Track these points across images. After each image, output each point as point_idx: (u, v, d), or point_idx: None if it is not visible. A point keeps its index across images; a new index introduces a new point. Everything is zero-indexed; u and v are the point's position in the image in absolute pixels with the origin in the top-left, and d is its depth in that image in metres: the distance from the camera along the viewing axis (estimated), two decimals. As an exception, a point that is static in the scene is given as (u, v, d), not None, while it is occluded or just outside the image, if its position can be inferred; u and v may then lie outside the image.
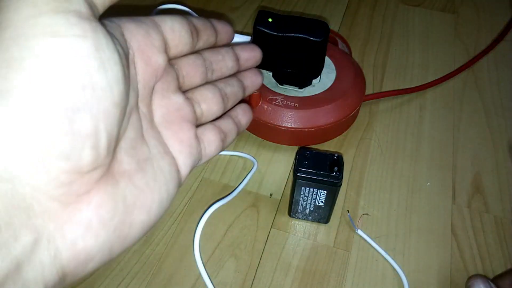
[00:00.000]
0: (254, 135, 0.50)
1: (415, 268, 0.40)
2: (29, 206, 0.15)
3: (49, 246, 0.16)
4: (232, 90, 0.27)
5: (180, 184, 0.22)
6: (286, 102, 0.46)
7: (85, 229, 0.17)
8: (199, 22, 0.24)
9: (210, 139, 0.25)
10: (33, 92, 0.15)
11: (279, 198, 0.45)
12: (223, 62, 0.27)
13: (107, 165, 0.17)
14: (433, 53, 0.61)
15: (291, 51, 0.43)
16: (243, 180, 0.45)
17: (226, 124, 0.27)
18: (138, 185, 0.19)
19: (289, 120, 0.46)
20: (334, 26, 0.65)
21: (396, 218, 0.43)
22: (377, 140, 0.50)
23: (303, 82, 0.47)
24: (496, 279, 0.37)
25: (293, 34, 0.41)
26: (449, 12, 0.67)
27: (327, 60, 0.50)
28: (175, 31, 0.22)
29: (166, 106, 0.22)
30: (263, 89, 0.47)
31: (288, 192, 0.44)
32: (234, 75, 0.28)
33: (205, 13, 0.66)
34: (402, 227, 0.43)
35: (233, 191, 0.44)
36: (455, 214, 0.44)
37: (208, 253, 0.40)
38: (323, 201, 0.39)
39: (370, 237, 0.41)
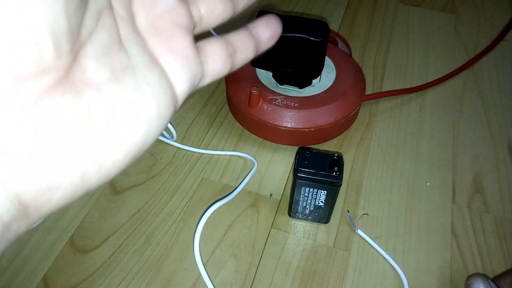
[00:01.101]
0: (254, 135, 0.50)
1: (415, 268, 0.40)
2: None
3: None
4: None
5: (175, 101, 0.18)
6: (286, 102, 0.46)
7: (37, 149, 0.14)
8: None
9: (214, 51, 0.20)
10: None
11: (279, 198, 0.45)
12: None
13: (61, 70, 0.14)
14: (433, 53, 0.61)
15: (291, 51, 0.43)
16: (243, 180, 0.45)
17: (238, 35, 0.22)
18: (111, 96, 0.16)
19: (289, 120, 0.46)
20: (334, 26, 0.65)
21: (396, 218, 0.43)
22: (377, 140, 0.50)
23: (303, 82, 0.47)
24: (496, 279, 0.37)
25: (293, 34, 0.41)
26: (449, 12, 0.67)
27: (327, 60, 0.50)
28: None
29: (151, 7, 0.18)
30: (263, 89, 0.47)
31: (288, 192, 0.44)
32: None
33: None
34: (402, 227, 0.43)
35: (233, 191, 0.44)
36: (455, 214, 0.44)
37: (208, 253, 0.40)
38: (323, 201, 0.39)
39: (370, 237, 0.41)
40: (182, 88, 0.18)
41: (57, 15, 0.13)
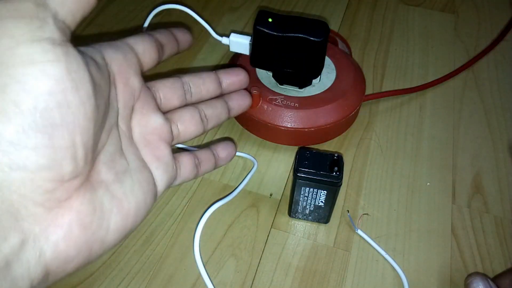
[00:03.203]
0: (254, 135, 0.50)
1: (415, 268, 0.40)
2: (17, 211, 0.17)
3: (34, 247, 0.17)
4: (214, 111, 0.29)
5: (156, 196, 0.24)
6: (286, 102, 0.46)
7: (66, 232, 0.19)
8: (162, 37, 0.26)
9: (185, 162, 0.27)
10: (17, 112, 0.17)
11: (279, 198, 0.45)
12: (203, 86, 0.29)
13: (85, 174, 0.19)
14: (433, 53, 0.61)
15: (291, 51, 0.43)
16: (243, 180, 0.45)
17: (203, 152, 0.29)
18: (115, 194, 0.21)
19: (289, 120, 0.46)
20: (334, 26, 0.65)
21: (396, 218, 0.43)
22: (377, 140, 0.50)
23: (303, 82, 0.47)
24: (496, 279, 0.37)
25: (293, 34, 0.41)
26: (449, 12, 0.67)
27: (327, 60, 0.50)
28: (145, 52, 0.24)
29: (144, 125, 0.24)
30: (263, 89, 0.47)
31: (288, 192, 0.44)
32: (220, 96, 0.30)
33: (205, 14, 0.66)
34: (402, 227, 0.43)
35: (233, 191, 0.44)
36: (455, 214, 0.44)
37: (208, 253, 0.40)
38: (323, 201, 0.39)
39: (370, 237, 0.41)
40: (162, 186, 0.25)
41: (88, 136, 0.18)
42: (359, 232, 0.42)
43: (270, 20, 0.42)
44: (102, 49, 0.22)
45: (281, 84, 0.48)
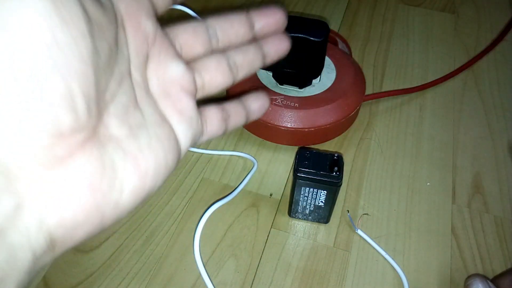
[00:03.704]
0: (254, 135, 0.50)
1: (415, 268, 0.40)
2: (9, 171, 0.15)
3: (33, 212, 0.15)
4: (245, 58, 0.25)
5: (179, 155, 0.21)
6: (286, 102, 0.46)
7: (71, 194, 0.16)
8: None
9: (212, 116, 0.23)
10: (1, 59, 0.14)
11: (279, 198, 0.45)
12: (232, 29, 0.25)
13: (91, 129, 0.17)
14: (433, 53, 0.61)
15: (291, 51, 0.43)
16: (243, 180, 0.45)
17: (232, 105, 0.25)
18: (129, 150, 0.19)
19: (289, 120, 0.46)
20: (334, 26, 0.65)
21: (396, 218, 0.43)
22: (377, 140, 0.50)
23: (303, 82, 0.47)
24: (496, 279, 0.37)
25: (293, 34, 0.41)
26: (449, 12, 0.67)
27: (327, 60, 0.50)
28: None
29: (162, 75, 0.21)
30: (263, 89, 0.47)
31: (288, 192, 0.44)
32: (253, 41, 0.26)
33: (205, 14, 0.66)
34: (402, 227, 0.43)
35: (233, 191, 0.44)
36: (455, 214, 0.44)
37: (208, 253, 0.40)
38: (323, 201, 0.39)
39: (370, 237, 0.41)
40: (185, 143, 0.22)
41: (87, 83, 0.16)
42: (359, 232, 0.42)
43: (270, 20, 0.42)
44: None
45: (281, 84, 0.48)
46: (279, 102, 0.46)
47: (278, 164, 0.47)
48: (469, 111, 0.53)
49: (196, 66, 0.23)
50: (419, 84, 0.56)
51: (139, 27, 0.20)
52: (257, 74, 0.49)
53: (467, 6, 0.69)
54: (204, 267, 0.39)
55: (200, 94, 0.23)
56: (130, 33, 0.19)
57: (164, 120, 0.21)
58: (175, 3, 0.23)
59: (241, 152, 0.48)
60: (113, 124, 0.18)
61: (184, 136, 0.21)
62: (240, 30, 0.25)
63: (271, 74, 0.49)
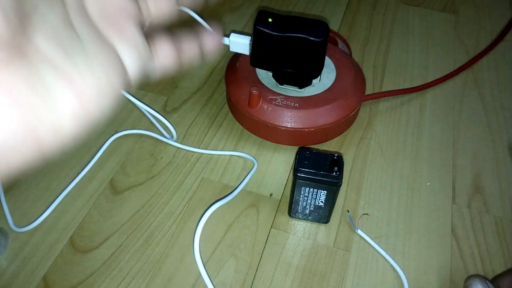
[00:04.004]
0: (254, 135, 0.50)
1: (415, 268, 0.40)
2: None
3: None
4: None
5: (126, 77, 0.21)
6: (286, 102, 0.46)
7: None
8: None
9: (162, 42, 0.23)
10: None
11: (279, 198, 0.45)
12: None
13: (14, 45, 0.16)
14: (433, 53, 0.61)
15: (291, 51, 0.43)
16: (243, 180, 0.45)
17: (185, 34, 0.24)
18: (63, 70, 0.18)
19: (289, 120, 0.46)
20: (334, 26, 0.65)
21: (396, 218, 0.43)
22: (377, 140, 0.50)
23: (303, 82, 0.47)
24: (496, 279, 0.37)
25: (293, 34, 0.41)
26: (449, 12, 0.67)
27: (327, 60, 0.50)
28: None
29: (102, 2, 0.20)
30: (263, 89, 0.47)
31: (288, 192, 0.44)
32: None
33: (205, 14, 0.66)
34: (402, 227, 0.43)
35: (233, 191, 0.44)
36: (455, 214, 0.44)
37: (208, 253, 0.40)
38: (323, 201, 0.39)
39: (370, 237, 0.41)
40: (133, 67, 0.21)
41: None
42: (359, 232, 0.42)
43: (270, 20, 0.42)
44: None
45: (281, 84, 0.48)
46: (279, 102, 0.46)
47: (278, 164, 0.47)
48: (469, 111, 0.53)
49: None
50: (419, 84, 0.56)
51: None
52: (257, 74, 0.49)
53: (467, 6, 0.69)
54: (204, 267, 0.39)
55: (148, 23, 0.23)
56: None
57: (105, 43, 0.20)
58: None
59: (241, 152, 0.48)
60: (44, 45, 0.17)
61: (129, 59, 0.21)
62: None
63: (271, 74, 0.49)
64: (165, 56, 0.23)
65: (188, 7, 0.27)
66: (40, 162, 0.17)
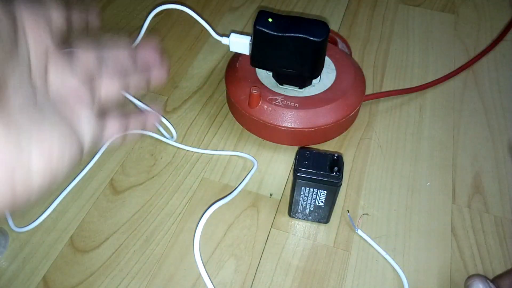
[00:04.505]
0: (254, 135, 0.50)
1: (415, 268, 0.40)
2: None
3: None
4: (135, 79, 0.30)
5: (82, 148, 0.24)
6: (286, 102, 0.46)
7: None
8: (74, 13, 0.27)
9: (112, 123, 0.28)
10: None
11: (279, 198, 0.45)
12: (120, 61, 0.29)
13: None
14: (433, 53, 0.61)
15: (291, 51, 0.43)
16: (243, 180, 0.45)
17: (131, 115, 0.29)
18: (33, 134, 0.21)
19: (289, 120, 0.46)
20: (334, 26, 0.65)
21: (396, 218, 0.43)
22: (377, 140, 0.50)
23: (303, 82, 0.47)
24: (496, 279, 0.37)
25: (293, 34, 0.41)
26: (449, 12, 0.67)
27: (327, 60, 0.50)
28: (59, 17, 0.25)
29: (61, 86, 0.24)
30: (263, 89, 0.47)
31: (288, 192, 0.44)
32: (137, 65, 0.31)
33: (205, 14, 0.66)
34: (402, 227, 0.43)
35: (233, 191, 0.44)
36: (455, 214, 0.44)
37: (208, 253, 0.40)
38: (323, 201, 0.39)
39: (370, 237, 0.41)
40: (87, 140, 0.25)
41: None
42: (359, 232, 0.42)
43: (270, 20, 0.42)
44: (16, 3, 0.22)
45: (281, 84, 0.48)
46: (279, 102, 0.46)
47: (278, 164, 0.47)
48: (469, 111, 0.53)
49: (90, 81, 0.27)
50: (419, 84, 0.56)
51: (40, 39, 0.23)
52: (257, 74, 0.49)
53: (467, 6, 0.69)
54: (204, 267, 0.39)
55: (96, 105, 0.27)
56: (32, 44, 0.23)
57: (62, 119, 0.24)
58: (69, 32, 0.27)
59: (241, 152, 0.48)
60: (16, 114, 0.20)
61: (82, 132, 0.25)
62: (127, 62, 0.30)
63: (271, 74, 0.49)
64: (113, 130, 0.28)
65: (133, 93, 0.31)
66: (10, 209, 0.20)
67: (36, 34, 0.23)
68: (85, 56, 0.27)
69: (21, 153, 0.20)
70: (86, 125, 0.25)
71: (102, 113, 0.28)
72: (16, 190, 0.20)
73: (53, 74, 0.24)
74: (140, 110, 0.32)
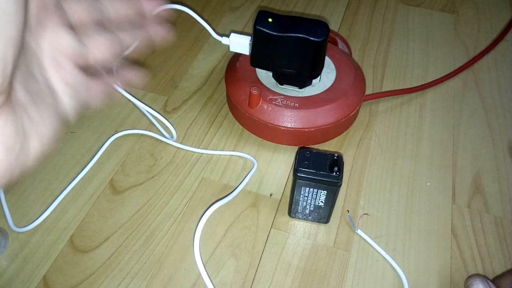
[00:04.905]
0: (254, 135, 0.50)
1: (415, 268, 0.40)
2: None
3: None
4: (130, 37, 0.27)
5: (66, 119, 0.23)
6: (286, 102, 0.46)
7: None
8: None
9: (95, 85, 0.26)
10: None
11: (279, 198, 0.45)
12: (121, 11, 0.27)
13: (7, 93, 0.18)
14: (433, 53, 0.61)
15: (291, 51, 0.43)
16: (243, 180, 0.45)
17: (112, 77, 0.27)
18: (33, 117, 0.20)
19: (289, 120, 0.46)
20: (334, 26, 0.65)
21: (396, 218, 0.43)
22: (377, 140, 0.50)
23: (303, 82, 0.47)
24: (496, 279, 0.37)
25: (293, 34, 0.41)
26: (449, 12, 0.67)
27: (327, 60, 0.50)
28: None
29: (53, 43, 0.22)
30: (263, 89, 0.47)
31: (288, 192, 0.44)
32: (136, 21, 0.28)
33: (205, 14, 0.66)
34: (402, 227, 0.43)
35: (233, 191, 0.44)
36: (455, 214, 0.44)
37: (208, 253, 0.40)
38: (323, 201, 0.39)
39: (370, 237, 0.41)
40: (70, 112, 0.24)
41: (16, 50, 0.17)
42: (359, 232, 0.42)
43: (270, 20, 0.42)
44: None
45: (281, 84, 0.48)
46: (279, 102, 0.46)
47: (278, 164, 0.47)
48: (469, 111, 0.53)
49: (85, 41, 0.25)
50: (419, 84, 0.56)
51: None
52: (257, 74, 0.49)
53: (467, 6, 0.69)
54: (204, 267, 0.39)
55: (84, 63, 0.25)
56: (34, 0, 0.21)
57: (52, 88, 0.22)
58: None
59: (241, 152, 0.48)
60: (20, 91, 0.19)
61: (69, 106, 0.23)
62: (129, 11, 0.27)
63: (271, 74, 0.49)
64: (98, 89, 0.26)
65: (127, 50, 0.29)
66: (2, 187, 0.20)
67: None
68: (79, 7, 0.25)
69: (25, 139, 0.19)
70: (71, 91, 0.24)
71: (88, 73, 0.26)
72: (14, 175, 0.20)
73: (49, 32, 0.22)
74: (125, 66, 0.30)
